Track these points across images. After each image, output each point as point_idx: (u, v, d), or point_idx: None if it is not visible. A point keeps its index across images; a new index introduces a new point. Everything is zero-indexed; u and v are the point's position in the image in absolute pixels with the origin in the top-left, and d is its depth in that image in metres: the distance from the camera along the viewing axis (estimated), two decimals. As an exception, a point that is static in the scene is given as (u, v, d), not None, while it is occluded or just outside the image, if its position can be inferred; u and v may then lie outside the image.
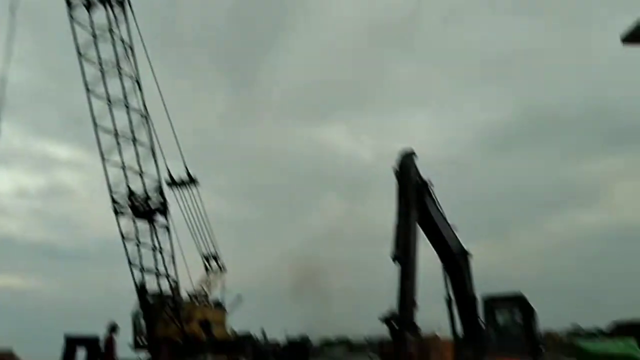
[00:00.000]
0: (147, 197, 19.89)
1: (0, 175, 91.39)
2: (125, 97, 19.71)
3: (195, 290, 26.30)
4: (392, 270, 13.94)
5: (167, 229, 20.46)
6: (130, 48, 19.97)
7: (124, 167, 19.42)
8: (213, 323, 23.31)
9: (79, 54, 19.06)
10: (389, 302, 13.70)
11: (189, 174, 25.08)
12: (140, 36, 20.33)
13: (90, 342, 20.45)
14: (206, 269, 28.31)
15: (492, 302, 20.44)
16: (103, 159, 19.24)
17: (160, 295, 20.79)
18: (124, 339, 21.66)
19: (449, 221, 19.25)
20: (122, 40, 19.83)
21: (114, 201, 19.61)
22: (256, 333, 29.19)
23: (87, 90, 19.15)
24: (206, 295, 26.67)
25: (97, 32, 19.38)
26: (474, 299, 20.21)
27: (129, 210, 19.83)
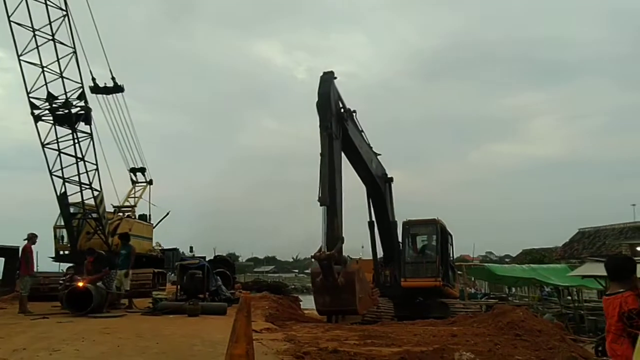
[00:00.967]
0: (68, 102, 18.75)
1: None
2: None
3: (121, 203, 25.80)
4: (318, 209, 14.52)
5: (91, 137, 19.56)
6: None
7: (43, 69, 18.05)
8: (139, 236, 23.12)
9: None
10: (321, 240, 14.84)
11: (114, 80, 23.89)
12: None
13: (8, 252, 19.82)
14: (132, 181, 27.73)
15: (411, 227, 21.52)
16: (19, 57, 17.77)
17: (83, 206, 20.21)
18: (46, 250, 21.22)
19: (373, 148, 19.62)
20: None
21: (32, 105, 18.38)
22: (184, 250, 29.45)
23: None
24: (132, 208, 26.26)
25: None
26: (394, 223, 21.13)
27: (49, 115, 18.69)
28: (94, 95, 22.93)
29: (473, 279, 32.23)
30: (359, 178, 19.35)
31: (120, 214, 24.44)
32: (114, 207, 24.49)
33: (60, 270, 21.08)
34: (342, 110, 16.56)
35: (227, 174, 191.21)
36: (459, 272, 25.35)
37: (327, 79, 15.98)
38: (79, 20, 19.33)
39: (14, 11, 17.46)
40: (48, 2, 17.92)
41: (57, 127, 18.86)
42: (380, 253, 21.29)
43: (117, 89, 24.12)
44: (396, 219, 21.26)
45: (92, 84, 22.89)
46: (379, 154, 20.25)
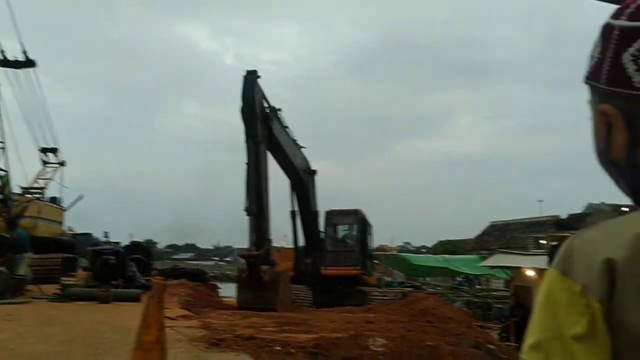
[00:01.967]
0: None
1: None
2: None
3: (29, 184, 24.25)
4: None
5: (-3, 113, 18.21)
6: None
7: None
8: (48, 220, 21.89)
9: None
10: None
11: (25, 55, 22.32)
12: None
13: None
14: (43, 162, 26.14)
15: (334, 216, 21.81)
16: None
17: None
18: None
19: (297, 141, 19.65)
20: None
21: None
22: (98, 235, 28.18)
23: None
24: (41, 190, 24.78)
25: None
26: (316, 213, 21.34)
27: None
28: (3, 69, 21.31)
29: (391, 268, 33.15)
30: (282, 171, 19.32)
31: (29, 195, 22.97)
32: (22, 188, 22.99)
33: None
34: (268, 109, 16.30)
35: (148, 159, 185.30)
36: (377, 262, 25.99)
37: (251, 79, 15.32)
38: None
39: None
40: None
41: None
42: (302, 242, 21.43)
43: (29, 63, 22.53)
44: (318, 209, 21.47)
45: (1, 57, 21.27)
46: (304, 147, 20.30)
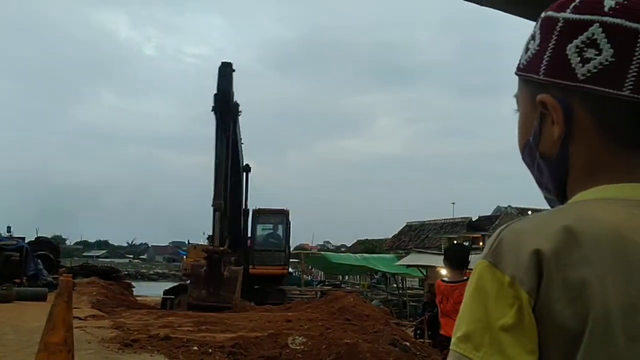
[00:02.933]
0: None
1: None
2: None
3: None
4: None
5: None
6: None
7: None
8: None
9: None
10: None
11: None
12: None
13: None
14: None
15: (262, 215, 21.68)
16: None
17: None
18: None
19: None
20: None
21: None
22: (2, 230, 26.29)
23: None
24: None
25: None
26: (246, 211, 21.12)
27: None
28: None
29: (311, 266, 33.41)
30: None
31: None
32: None
33: None
34: (236, 104, 16.07)
35: (58, 149, 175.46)
36: (296, 260, 26.16)
37: (228, 72, 15.04)
38: None
39: None
40: None
41: None
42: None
43: None
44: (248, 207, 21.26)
45: None
46: (243, 143, 20.05)
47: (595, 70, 0.76)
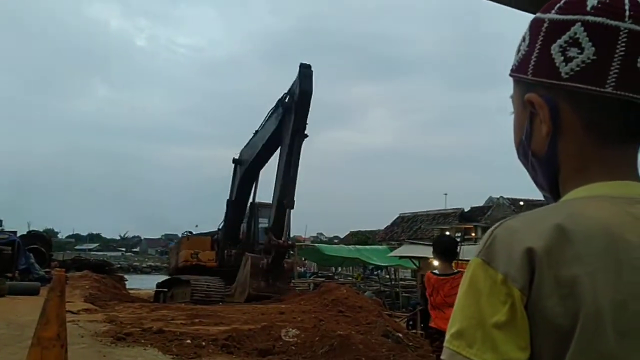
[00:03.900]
0: None
1: None
2: None
3: None
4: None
5: None
6: None
7: None
8: None
9: None
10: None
11: None
12: None
13: None
14: None
15: (261, 208, 21.58)
16: None
17: None
18: None
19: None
20: None
21: None
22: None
23: None
24: None
25: None
26: (232, 201, 21.06)
27: None
28: None
29: (304, 258, 33.46)
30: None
31: None
32: None
33: None
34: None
35: (49, 142, 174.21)
36: (291, 252, 26.12)
37: (309, 74, 15.32)
38: None
39: None
40: None
41: None
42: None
43: None
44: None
45: None
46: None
47: (578, 69, 0.78)
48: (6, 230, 20.03)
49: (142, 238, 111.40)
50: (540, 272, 0.70)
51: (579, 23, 0.78)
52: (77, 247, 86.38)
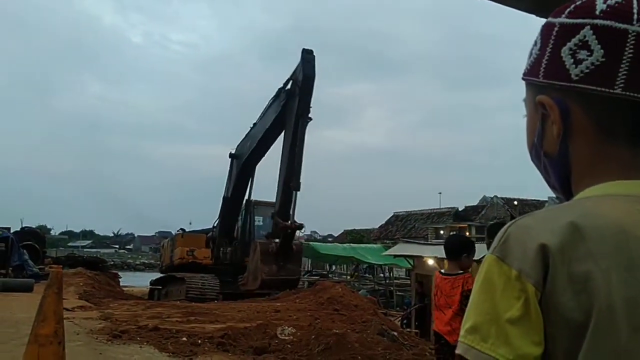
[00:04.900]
0: None
1: None
2: None
3: None
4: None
5: None
6: None
7: None
8: None
9: None
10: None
11: None
12: None
13: None
14: None
15: (257, 206, 21.58)
16: None
17: None
18: None
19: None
20: None
21: None
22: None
23: None
24: None
25: None
26: (227, 199, 20.99)
27: None
28: None
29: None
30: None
31: None
32: None
33: None
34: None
35: (41, 139, 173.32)
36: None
37: (311, 59, 15.31)
38: None
39: None
40: None
41: None
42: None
43: None
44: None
45: None
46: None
47: (587, 71, 0.81)
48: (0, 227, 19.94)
49: (136, 235, 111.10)
50: (554, 268, 0.72)
51: (589, 26, 0.81)
52: (70, 244, 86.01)
